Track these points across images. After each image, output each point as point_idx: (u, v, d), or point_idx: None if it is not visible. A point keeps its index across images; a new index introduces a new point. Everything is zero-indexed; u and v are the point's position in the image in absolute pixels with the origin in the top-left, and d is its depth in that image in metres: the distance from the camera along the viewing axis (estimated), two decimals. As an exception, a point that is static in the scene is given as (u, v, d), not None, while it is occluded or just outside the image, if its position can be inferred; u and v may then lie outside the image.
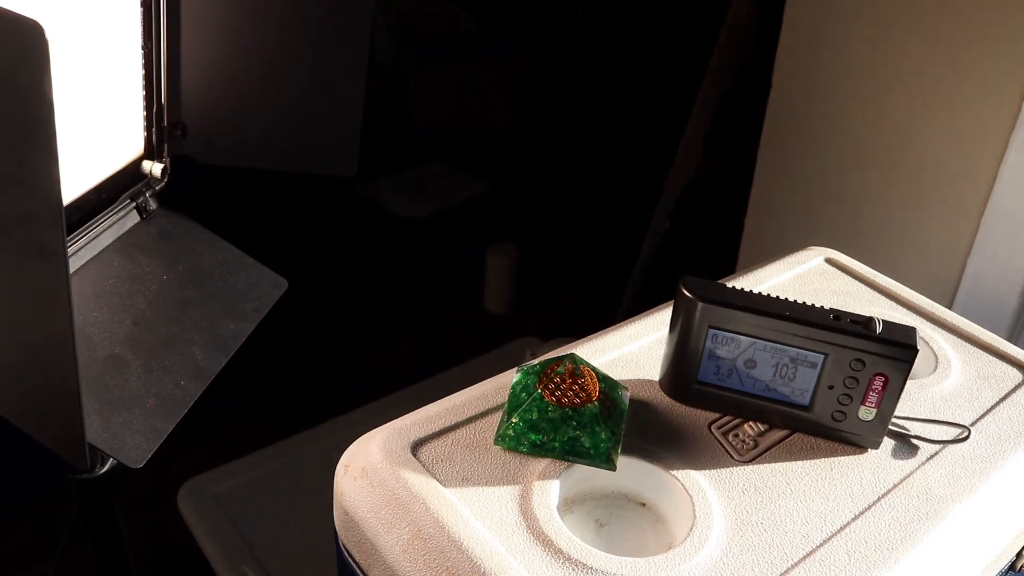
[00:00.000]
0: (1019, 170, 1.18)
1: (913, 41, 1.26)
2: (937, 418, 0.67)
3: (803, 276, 0.84)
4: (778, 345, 0.61)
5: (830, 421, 0.63)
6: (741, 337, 0.61)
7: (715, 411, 0.65)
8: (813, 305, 0.61)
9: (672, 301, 0.63)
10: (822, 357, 0.61)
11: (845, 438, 0.63)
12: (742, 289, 0.62)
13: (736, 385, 0.63)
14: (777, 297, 0.61)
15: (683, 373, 0.64)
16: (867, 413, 0.61)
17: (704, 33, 1.91)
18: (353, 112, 0.98)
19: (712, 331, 0.61)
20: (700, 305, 0.61)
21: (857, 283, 0.83)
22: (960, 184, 1.26)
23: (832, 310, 0.61)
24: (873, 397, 0.61)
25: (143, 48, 0.86)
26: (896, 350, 0.59)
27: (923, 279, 1.32)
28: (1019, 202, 1.19)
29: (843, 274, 0.84)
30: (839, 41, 1.37)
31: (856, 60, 1.36)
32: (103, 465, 0.81)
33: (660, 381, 0.67)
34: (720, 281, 0.77)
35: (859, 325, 0.60)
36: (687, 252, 2.11)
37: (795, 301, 0.61)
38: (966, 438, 0.65)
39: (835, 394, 0.61)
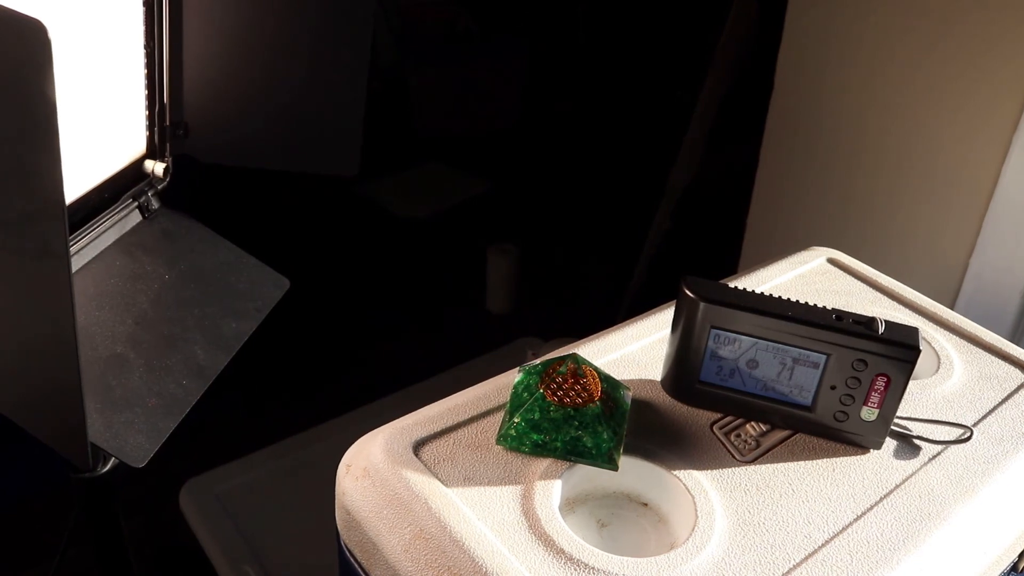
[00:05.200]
0: (1021, 170, 1.18)
1: (915, 41, 1.26)
2: (939, 418, 0.67)
3: (805, 276, 0.84)
4: (780, 345, 0.61)
5: (832, 421, 0.63)
6: (743, 337, 0.61)
7: (717, 411, 0.65)
8: (815, 305, 0.61)
9: (674, 301, 0.63)
10: (824, 357, 0.60)
11: (847, 438, 0.63)
12: (744, 289, 0.62)
13: (738, 385, 0.63)
14: (779, 297, 0.61)
15: (685, 373, 0.64)
16: (869, 413, 0.61)
17: (706, 33, 1.91)
18: (354, 112, 0.98)
19: (714, 331, 0.61)
20: (702, 305, 0.60)
21: (859, 283, 0.83)
22: (962, 184, 1.26)
23: (834, 310, 0.61)
24: (875, 397, 0.61)
25: (145, 48, 0.86)
26: (899, 350, 0.59)
27: (925, 279, 1.32)
28: (1022, 202, 1.19)
29: (845, 274, 0.84)
30: (841, 41, 1.37)
31: (858, 60, 1.35)
32: (105, 464, 0.81)
33: (662, 381, 0.67)
34: (722, 281, 0.77)
35: (861, 325, 0.59)
36: (689, 252, 2.11)
37: (797, 301, 0.61)
38: (968, 439, 0.65)
39: (837, 394, 0.61)
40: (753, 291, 0.62)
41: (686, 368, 0.64)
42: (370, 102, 0.97)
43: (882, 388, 0.60)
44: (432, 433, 0.62)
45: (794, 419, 0.64)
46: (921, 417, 0.67)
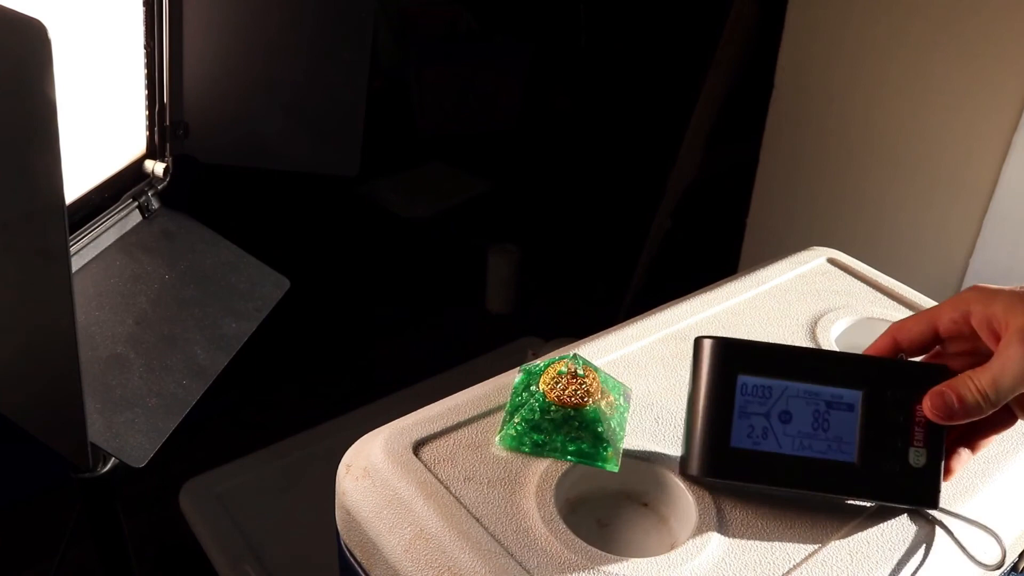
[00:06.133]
0: (1021, 170, 1.18)
1: (915, 41, 1.26)
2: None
3: (805, 276, 0.83)
4: (811, 386, 0.58)
5: (883, 477, 0.57)
6: (772, 383, 0.58)
7: (753, 482, 0.59)
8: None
9: (673, 301, 0.63)
10: (859, 395, 0.57)
11: (900, 496, 0.58)
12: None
13: (773, 447, 0.58)
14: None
15: (713, 440, 0.58)
16: (917, 457, 0.57)
17: (706, 33, 1.91)
18: (355, 111, 0.98)
19: (741, 379, 0.58)
20: (724, 345, 0.58)
21: (859, 283, 0.83)
22: (962, 183, 1.26)
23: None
24: (920, 434, 0.57)
25: (145, 47, 0.86)
26: (931, 371, 0.57)
27: (926, 279, 1.32)
28: (1021, 202, 1.19)
29: (845, 274, 0.84)
30: (841, 41, 1.37)
31: (858, 60, 1.35)
32: (105, 464, 0.81)
33: (682, 466, 0.60)
34: (723, 281, 0.77)
35: (888, 360, 0.59)
36: (689, 252, 2.10)
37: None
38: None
39: (880, 439, 0.57)
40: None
41: (713, 433, 0.58)
42: (370, 102, 0.97)
43: (924, 420, 0.57)
44: (432, 433, 0.62)
45: (841, 481, 0.58)
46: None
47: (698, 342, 0.59)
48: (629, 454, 0.61)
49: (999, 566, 0.56)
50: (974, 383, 0.54)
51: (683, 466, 0.59)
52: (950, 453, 0.58)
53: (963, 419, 0.55)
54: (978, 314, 0.55)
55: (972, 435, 0.58)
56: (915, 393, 0.57)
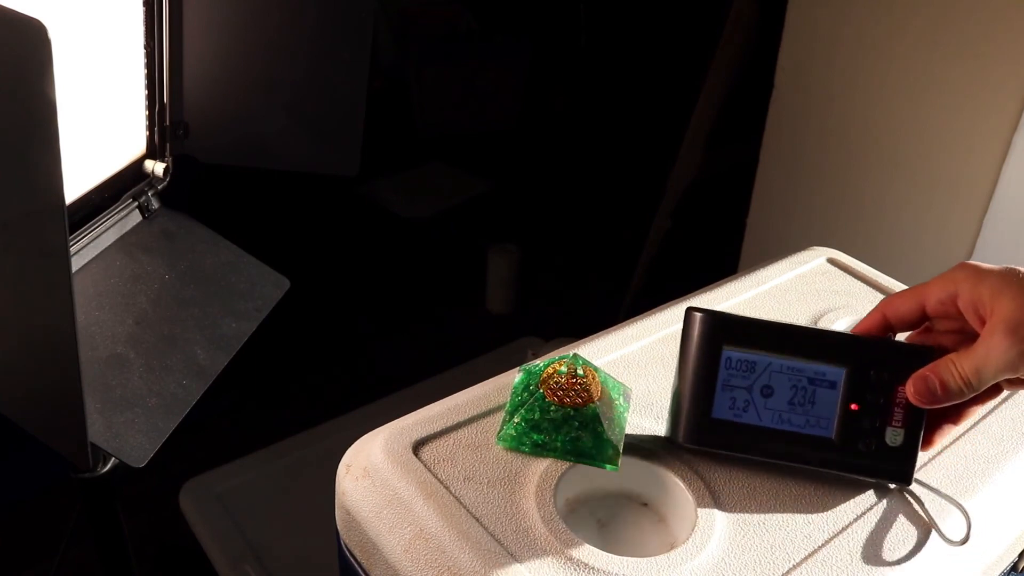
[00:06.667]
0: (1021, 170, 1.18)
1: (916, 41, 1.26)
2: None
3: (805, 276, 0.84)
4: (795, 362, 0.58)
5: (858, 454, 0.59)
6: (757, 357, 0.59)
7: (732, 451, 0.61)
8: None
9: (673, 301, 0.63)
10: (842, 372, 0.58)
11: (875, 471, 0.59)
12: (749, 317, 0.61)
13: (753, 420, 0.59)
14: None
15: (696, 410, 0.59)
16: (894, 436, 0.58)
17: (706, 33, 1.91)
18: (355, 111, 0.98)
19: (726, 353, 0.59)
20: (713, 318, 0.59)
21: (859, 283, 0.83)
22: (963, 184, 1.26)
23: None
24: (899, 414, 0.58)
25: (145, 47, 0.86)
26: (916, 352, 0.58)
27: (925, 279, 1.32)
28: (1022, 202, 1.19)
29: (845, 274, 0.84)
30: (841, 41, 1.37)
31: (859, 60, 1.36)
32: (105, 464, 0.81)
33: (668, 433, 0.61)
34: (722, 280, 0.77)
35: (873, 339, 0.59)
36: (689, 252, 2.11)
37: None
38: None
39: (859, 418, 0.58)
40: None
41: (697, 404, 0.59)
42: (370, 102, 0.97)
43: (905, 401, 0.58)
44: (432, 433, 0.62)
45: (817, 455, 0.59)
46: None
47: (688, 313, 0.60)
48: (629, 454, 0.61)
49: (963, 540, 0.57)
50: (957, 369, 0.54)
51: (670, 436, 0.61)
52: (933, 426, 0.59)
53: (945, 403, 0.56)
54: (965, 295, 0.55)
55: (955, 407, 0.58)
56: (898, 374, 0.58)
